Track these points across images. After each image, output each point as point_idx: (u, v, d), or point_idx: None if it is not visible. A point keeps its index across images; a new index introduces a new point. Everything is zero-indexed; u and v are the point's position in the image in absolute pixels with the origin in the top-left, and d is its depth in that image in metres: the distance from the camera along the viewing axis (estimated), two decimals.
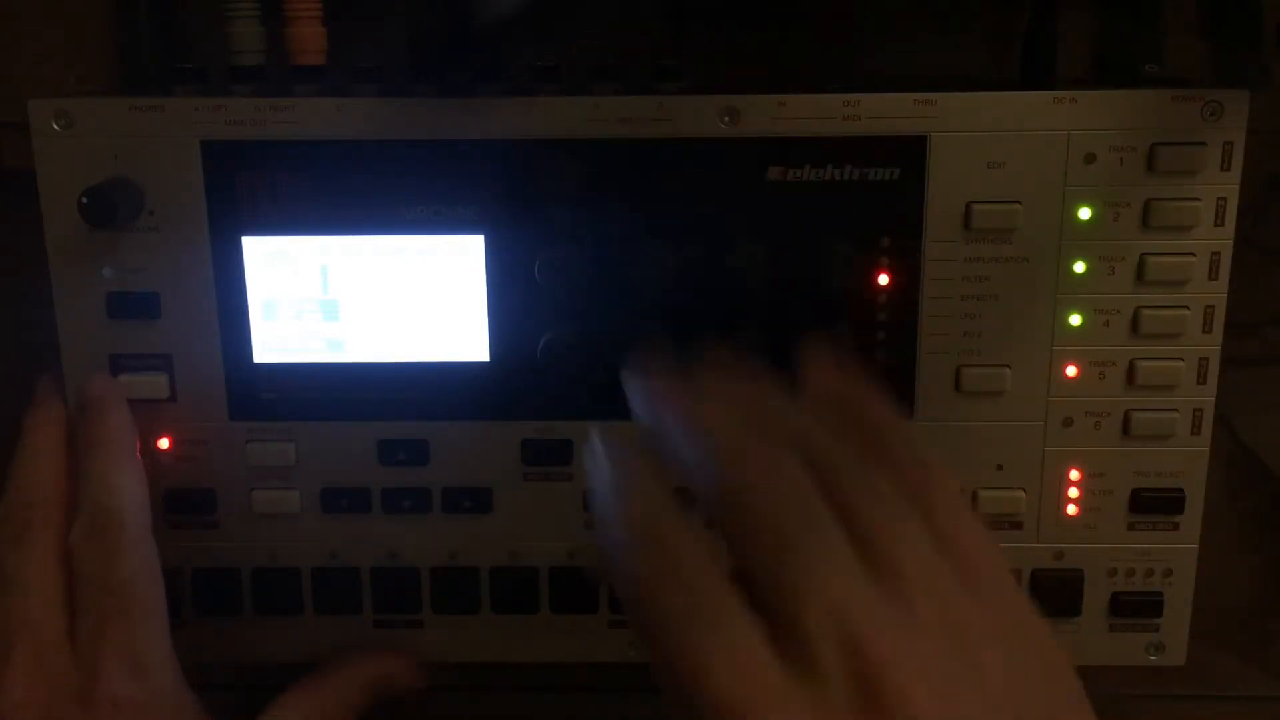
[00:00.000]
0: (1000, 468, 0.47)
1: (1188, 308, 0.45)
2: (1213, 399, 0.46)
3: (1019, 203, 0.44)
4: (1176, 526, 0.47)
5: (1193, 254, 0.45)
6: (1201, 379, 0.46)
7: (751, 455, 0.32)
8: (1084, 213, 0.44)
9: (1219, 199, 0.44)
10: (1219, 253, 0.45)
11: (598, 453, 0.34)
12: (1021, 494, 0.47)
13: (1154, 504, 0.47)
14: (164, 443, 0.47)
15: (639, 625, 0.31)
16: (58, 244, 0.45)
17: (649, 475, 0.33)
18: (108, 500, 0.41)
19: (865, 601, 0.29)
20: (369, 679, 0.48)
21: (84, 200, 0.42)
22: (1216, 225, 0.44)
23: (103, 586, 0.41)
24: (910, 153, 0.44)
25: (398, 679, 0.48)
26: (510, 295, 0.45)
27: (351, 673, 0.47)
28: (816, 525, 0.31)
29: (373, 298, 0.46)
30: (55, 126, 0.44)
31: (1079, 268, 0.45)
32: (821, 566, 0.30)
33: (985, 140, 0.44)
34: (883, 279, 0.45)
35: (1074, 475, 0.47)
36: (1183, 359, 0.46)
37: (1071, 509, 0.47)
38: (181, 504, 0.47)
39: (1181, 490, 0.47)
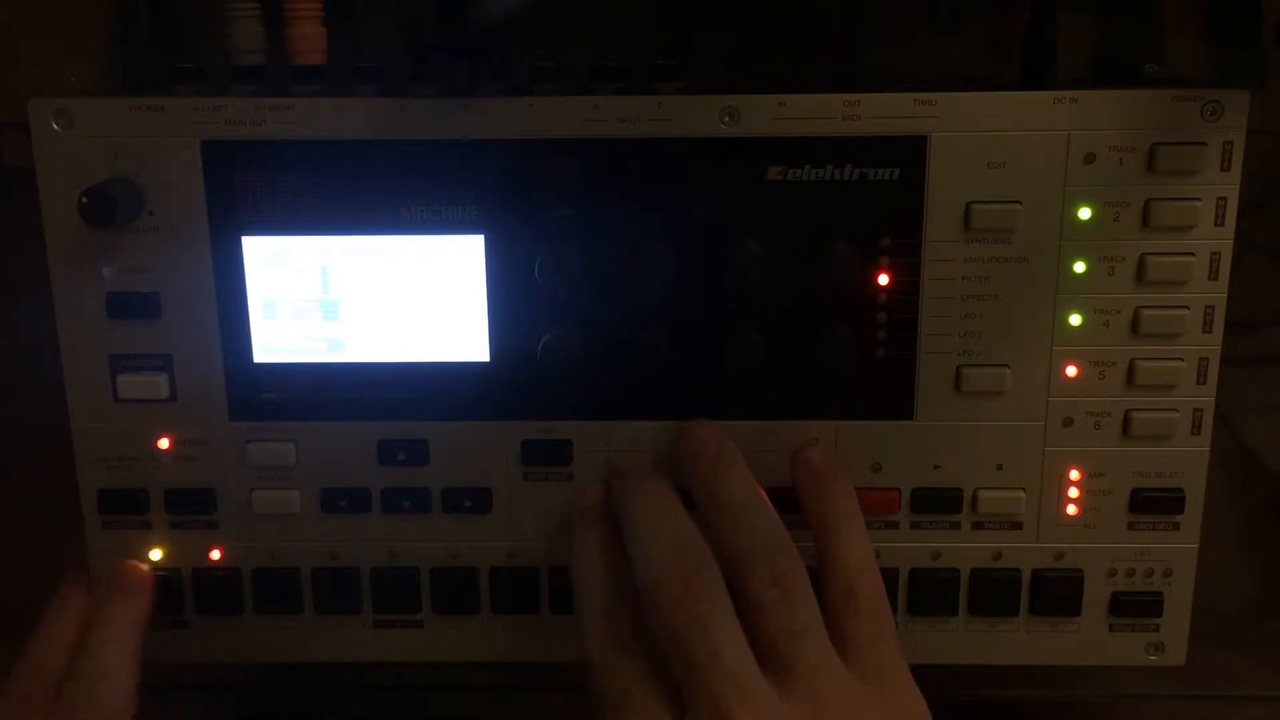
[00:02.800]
0: (1000, 468, 0.47)
1: (1188, 308, 0.45)
2: (1213, 399, 0.46)
3: (1019, 203, 0.44)
4: (1176, 526, 0.47)
5: (1193, 254, 0.45)
6: (1201, 379, 0.46)
7: (673, 567, 0.40)
8: (1084, 213, 0.44)
9: (1219, 199, 0.44)
10: (1219, 253, 0.45)
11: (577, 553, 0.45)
12: (1021, 494, 0.47)
13: (1154, 504, 0.47)
14: (164, 443, 0.47)
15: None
16: (58, 244, 0.45)
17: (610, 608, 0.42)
18: (92, 676, 0.44)
19: (748, 698, 0.37)
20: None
21: (84, 200, 0.42)
22: (1216, 225, 0.44)
23: None
24: (910, 153, 0.44)
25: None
26: (510, 295, 0.45)
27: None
28: (716, 634, 0.38)
29: (373, 298, 0.46)
30: (55, 126, 0.44)
31: (1079, 268, 0.45)
32: (713, 671, 0.38)
33: (985, 140, 0.44)
34: (883, 279, 0.45)
35: (1074, 475, 0.47)
36: (1183, 359, 0.46)
37: (1071, 509, 0.47)
38: (181, 504, 0.47)
39: (1181, 490, 0.47)
